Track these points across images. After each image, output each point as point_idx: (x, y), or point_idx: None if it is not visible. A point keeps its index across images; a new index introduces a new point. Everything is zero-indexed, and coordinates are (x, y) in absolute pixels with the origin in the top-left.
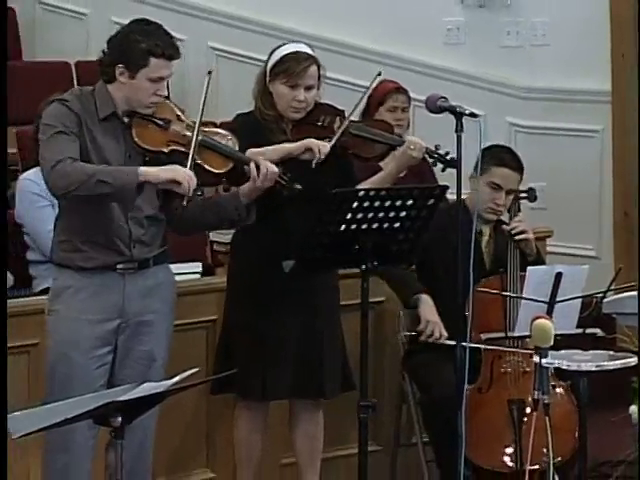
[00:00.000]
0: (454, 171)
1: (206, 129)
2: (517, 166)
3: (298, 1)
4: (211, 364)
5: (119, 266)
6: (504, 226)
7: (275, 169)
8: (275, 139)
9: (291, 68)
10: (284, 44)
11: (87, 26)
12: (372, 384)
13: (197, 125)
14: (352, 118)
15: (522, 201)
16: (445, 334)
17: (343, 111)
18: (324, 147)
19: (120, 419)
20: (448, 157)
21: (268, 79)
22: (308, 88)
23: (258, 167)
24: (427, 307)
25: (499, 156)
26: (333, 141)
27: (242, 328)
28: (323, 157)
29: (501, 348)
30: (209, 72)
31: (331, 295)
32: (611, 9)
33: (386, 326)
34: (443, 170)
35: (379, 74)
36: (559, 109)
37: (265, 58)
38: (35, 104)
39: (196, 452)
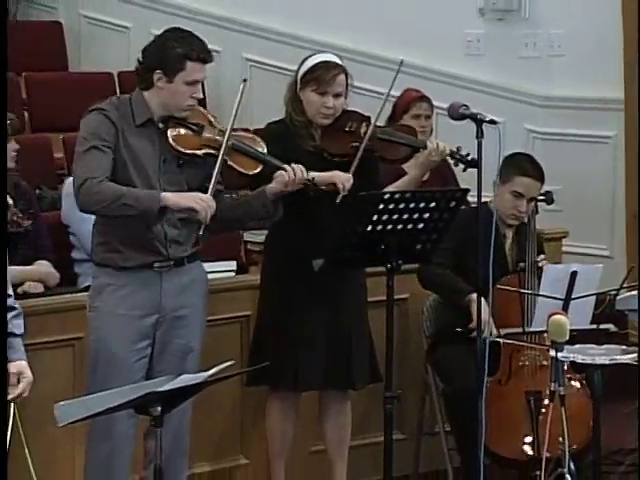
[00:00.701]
0: (474, 174)
1: (238, 134)
2: (539, 175)
3: (328, 14)
4: (245, 357)
5: (156, 265)
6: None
7: (305, 173)
8: (304, 144)
9: (321, 77)
10: (314, 54)
11: (129, 38)
12: (397, 376)
13: (229, 129)
14: (377, 123)
15: (540, 203)
16: (495, 332)
17: (369, 117)
18: (348, 182)
19: (159, 409)
20: (469, 158)
21: (299, 87)
22: (336, 95)
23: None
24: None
25: (522, 165)
26: (361, 147)
27: (274, 323)
28: (347, 192)
29: (520, 343)
30: (244, 80)
31: (358, 292)
32: (623, 21)
33: (410, 322)
34: (464, 170)
35: (401, 62)
36: (574, 116)
37: (295, 68)
38: (80, 112)
39: (231, 440)
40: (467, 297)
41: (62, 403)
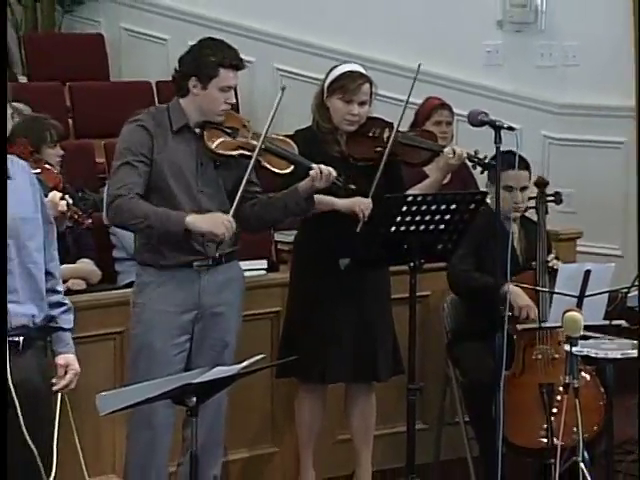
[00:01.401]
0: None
1: (270, 136)
2: (523, 165)
3: (354, 27)
4: (276, 351)
5: (195, 263)
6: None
7: (333, 172)
8: (330, 150)
9: (347, 85)
10: (340, 64)
11: (167, 50)
12: (419, 369)
13: (264, 131)
14: (399, 129)
15: (550, 204)
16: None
17: (391, 123)
18: (367, 210)
19: (195, 399)
20: (486, 160)
21: (326, 95)
22: (361, 103)
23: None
24: (517, 295)
25: (505, 161)
26: (386, 152)
27: (303, 319)
28: (366, 219)
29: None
30: (282, 88)
31: (382, 290)
32: (636, 33)
33: (431, 317)
34: (482, 172)
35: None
36: (588, 123)
37: (323, 77)
38: (121, 120)
39: (262, 429)
40: (502, 289)
41: (103, 394)
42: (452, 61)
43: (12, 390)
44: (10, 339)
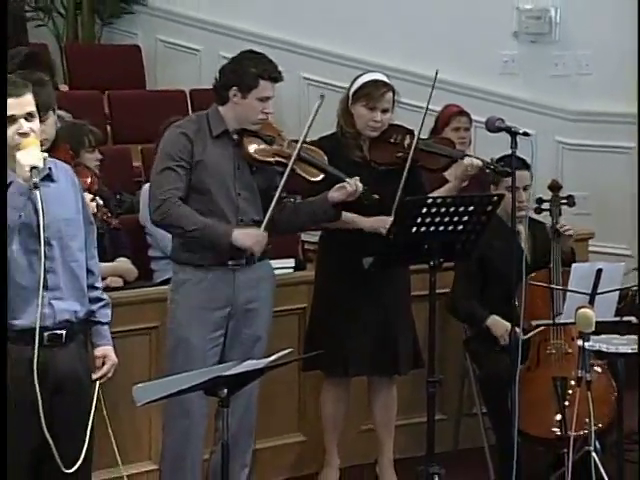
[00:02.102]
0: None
1: (304, 146)
2: (523, 166)
3: (376, 38)
4: (302, 345)
5: (229, 263)
6: (558, 226)
7: (360, 186)
8: (353, 154)
9: (370, 93)
10: (364, 73)
11: (200, 60)
12: (438, 363)
13: (301, 140)
14: (420, 136)
15: (563, 206)
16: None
17: (412, 130)
18: (386, 224)
19: (226, 391)
20: (501, 169)
21: (350, 102)
22: (384, 111)
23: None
24: (497, 327)
25: (505, 163)
26: (409, 158)
27: (327, 315)
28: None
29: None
30: (321, 96)
31: (403, 288)
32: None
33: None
34: (499, 179)
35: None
36: (599, 129)
37: (347, 86)
38: (156, 126)
39: (290, 419)
40: (484, 324)
41: (139, 385)
42: (470, 70)
43: (36, 378)
44: (54, 332)
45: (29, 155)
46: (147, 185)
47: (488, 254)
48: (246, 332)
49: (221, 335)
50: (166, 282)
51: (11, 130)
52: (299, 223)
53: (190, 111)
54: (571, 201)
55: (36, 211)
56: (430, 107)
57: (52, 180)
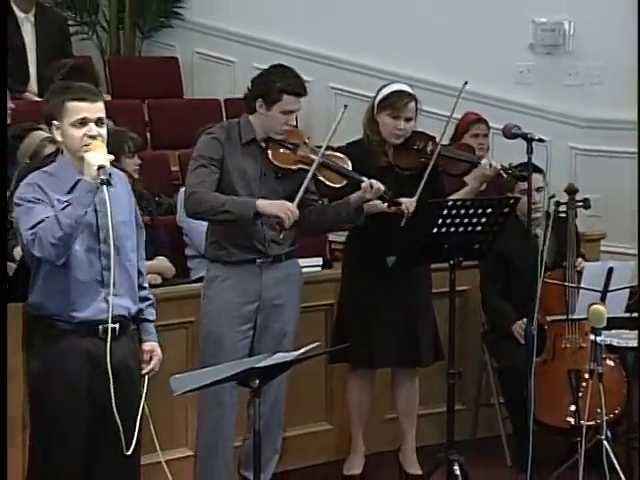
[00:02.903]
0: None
1: (327, 152)
2: (535, 169)
3: (400, 50)
4: (329, 339)
5: (257, 261)
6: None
7: (381, 187)
8: (378, 160)
9: (395, 103)
10: (389, 83)
11: (234, 71)
12: (458, 356)
13: (322, 148)
14: (441, 142)
15: (579, 209)
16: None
17: (434, 137)
18: (411, 207)
19: (257, 381)
20: (518, 173)
21: (376, 111)
22: (408, 119)
23: (366, 183)
24: (521, 330)
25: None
26: (431, 163)
27: (353, 311)
28: (410, 214)
29: None
30: (345, 106)
31: (425, 285)
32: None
33: (469, 310)
34: (515, 183)
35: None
36: (610, 135)
37: (372, 95)
38: (193, 133)
39: (318, 408)
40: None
41: (177, 376)
42: (489, 80)
43: (109, 370)
44: (106, 326)
45: (97, 155)
46: (184, 189)
47: (508, 255)
48: (274, 326)
49: (250, 328)
50: (201, 279)
51: (81, 132)
52: (324, 225)
53: (224, 119)
54: (587, 204)
55: (96, 212)
56: (448, 114)
57: (110, 185)
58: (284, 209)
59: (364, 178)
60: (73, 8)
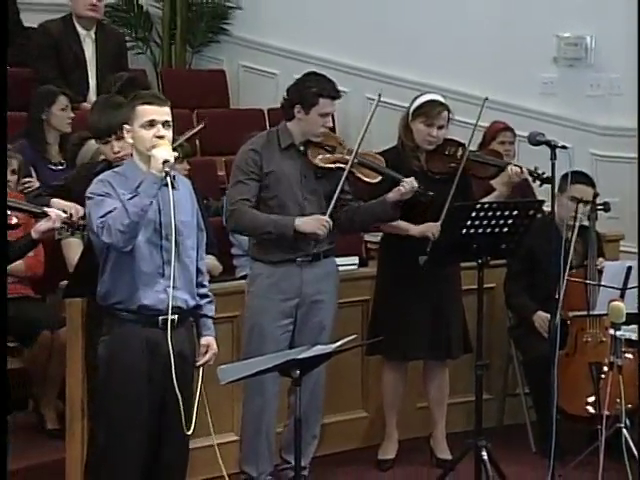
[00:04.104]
0: (548, 187)
1: (363, 152)
2: (589, 182)
3: (434, 62)
4: (365, 332)
5: (297, 259)
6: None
7: (415, 184)
8: (411, 165)
9: (429, 111)
10: (423, 94)
11: (276, 82)
12: (486, 349)
13: (356, 147)
14: (470, 148)
15: (599, 212)
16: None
17: (464, 143)
18: (436, 232)
19: (298, 372)
20: (544, 176)
21: (410, 119)
22: (440, 127)
23: (400, 181)
24: (539, 320)
25: (574, 177)
26: (460, 167)
27: (388, 306)
28: (435, 238)
29: None
30: (379, 95)
31: (454, 281)
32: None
33: (496, 306)
34: (540, 185)
35: (486, 99)
36: (629, 143)
37: (404, 104)
38: (238, 140)
39: (354, 397)
40: (531, 317)
41: (223, 367)
42: (515, 91)
43: (171, 356)
44: (167, 317)
45: (163, 151)
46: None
47: (537, 255)
48: (313, 320)
49: (290, 323)
50: (246, 277)
51: (150, 133)
52: (361, 222)
53: (268, 127)
54: (607, 207)
55: (160, 211)
56: (479, 123)
57: (174, 187)
58: (318, 225)
59: (403, 179)
60: (129, 25)
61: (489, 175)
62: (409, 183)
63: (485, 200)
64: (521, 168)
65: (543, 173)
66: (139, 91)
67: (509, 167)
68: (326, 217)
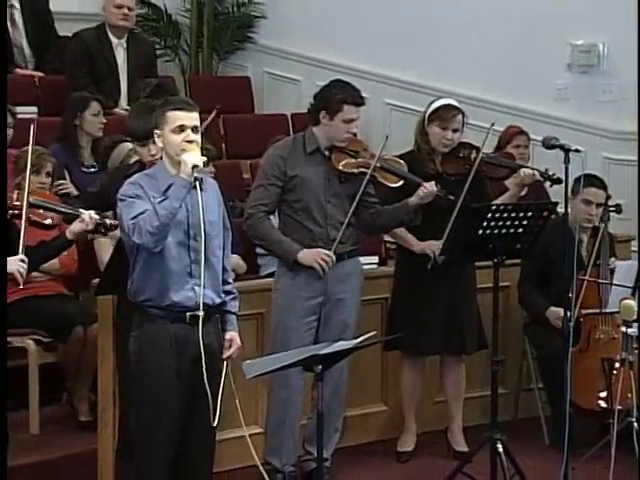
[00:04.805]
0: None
1: (386, 157)
2: (601, 185)
3: (448, 68)
4: (384, 329)
5: None
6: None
7: (434, 187)
8: (427, 168)
9: (444, 115)
10: (438, 99)
11: (300, 89)
12: (501, 345)
13: (378, 154)
14: (484, 151)
15: (611, 213)
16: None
17: (478, 147)
18: (437, 250)
19: (320, 367)
20: (554, 177)
21: (426, 123)
22: (455, 130)
23: (421, 185)
24: (553, 315)
25: (588, 180)
26: (473, 169)
27: (405, 304)
28: (437, 258)
29: None
30: (386, 137)
31: (468, 281)
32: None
33: (511, 303)
34: (551, 186)
35: (492, 124)
36: None
37: (423, 110)
38: (263, 144)
39: (374, 391)
40: (544, 313)
41: (248, 361)
42: (530, 96)
43: (202, 349)
44: (194, 314)
45: (192, 156)
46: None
47: (551, 256)
48: (337, 318)
49: (315, 320)
50: (270, 275)
51: (179, 138)
52: (383, 225)
53: (291, 132)
54: (619, 209)
55: (188, 212)
56: (495, 127)
57: (202, 189)
58: (318, 259)
59: (424, 183)
60: (159, 34)
61: (502, 176)
62: (429, 187)
63: (499, 200)
64: (532, 170)
65: (553, 174)
66: (169, 97)
67: (521, 170)
68: (329, 252)
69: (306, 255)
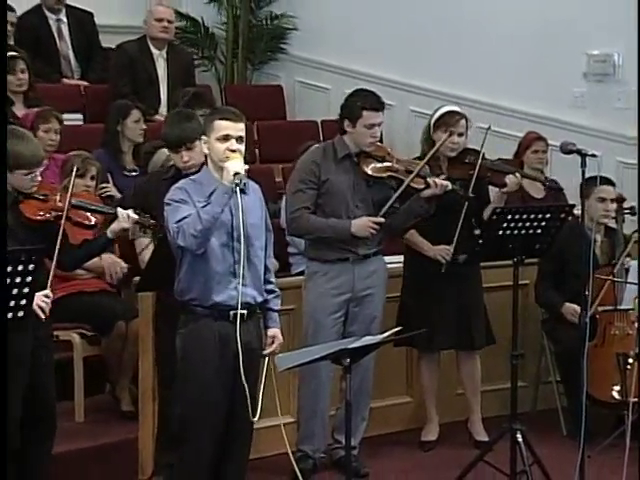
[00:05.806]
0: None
1: (409, 160)
2: (610, 182)
3: (472, 76)
4: (396, 326)
5: (350, 258)
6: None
7: (447, 185)
8: (432, 172)
9: (448, 120)
10: (442, 106)
11: (329, 97)
12: (520, 340)
13: (423, 162)
14: (489, 157)
15: (626, 215)
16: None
17: (484, 153)
18: (448, 255)
19: (348, 360)
20: (552, 184)
21: (432, 130)
22: (460, 134)
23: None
24: (568, 310)
25: (597, 180)
26: (475, 174)
27: (416, 302)
28: (459, 258)
29: None
30: (488, 128)
31: (474, 281)
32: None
33: (530, 300)
34: (549, 190)
35: (489, 127)
36: None
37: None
38: (294, 149)
39: (399, 384)
40: (560, 310)
41: (280, 355)
42: (548, 104)
43: (239, 347)
44: (237, 312)
45: (234, 164)
46: (285, 197)
47: (566, 257)
48: (364, 313)
49: (342, 315)
50: (301, 273)
51: (224, 146)
52: (402, 223)
53: (321, 137)
54: (633, 210)
55: (232, 214)
56: (513, 133)
57: (244, 193)
58: (368, 228)
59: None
60: (196, 45)
61: (503, 183)
62: (439, 184)
63: (494, 204)
64: (517, 177)
65: (546, 178)
66: (219, 106)
67: (507, 177)
68: (375, 218)
69: (357, 226)
